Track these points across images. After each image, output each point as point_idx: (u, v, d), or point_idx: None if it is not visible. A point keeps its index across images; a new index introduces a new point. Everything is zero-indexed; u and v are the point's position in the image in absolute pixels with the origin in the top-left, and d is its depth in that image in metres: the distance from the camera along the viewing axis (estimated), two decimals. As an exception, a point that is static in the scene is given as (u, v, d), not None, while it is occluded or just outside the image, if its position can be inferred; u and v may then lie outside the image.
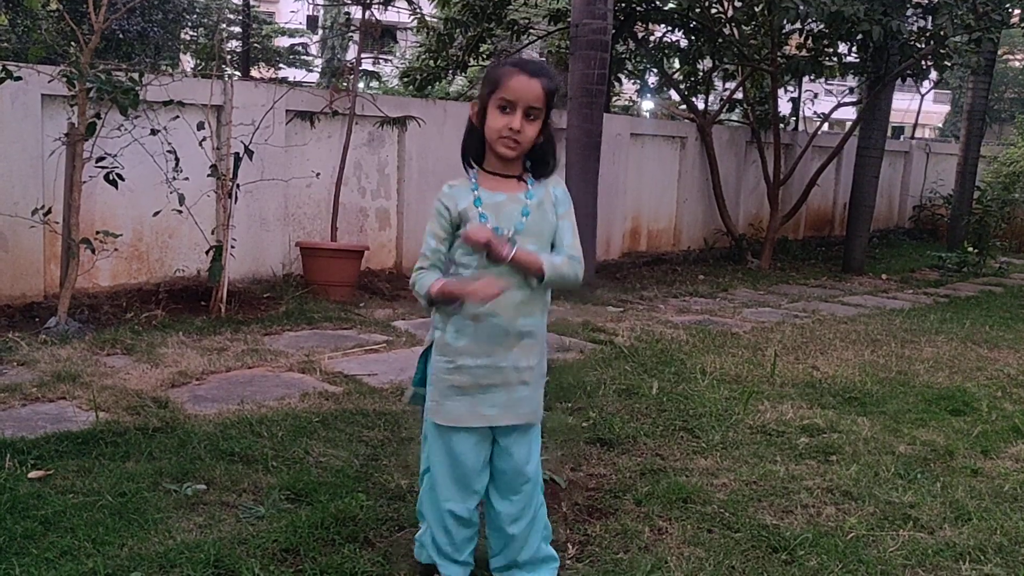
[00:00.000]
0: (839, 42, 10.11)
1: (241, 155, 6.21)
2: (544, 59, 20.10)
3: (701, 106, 11.49)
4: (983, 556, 3.06)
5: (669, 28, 10.96)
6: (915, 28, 10.03)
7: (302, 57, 24.37)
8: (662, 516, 3.24)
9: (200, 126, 5.98)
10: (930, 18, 9.73)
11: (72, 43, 6.17)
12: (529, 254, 2.43)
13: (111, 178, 5.54)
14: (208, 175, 6.23)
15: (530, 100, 2.40)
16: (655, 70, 11.71)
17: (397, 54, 23.18)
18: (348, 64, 8.09)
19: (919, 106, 16.21)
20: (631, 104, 18.15)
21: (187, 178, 5.92)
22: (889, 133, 11.89)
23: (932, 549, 3.08)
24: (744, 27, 10.61)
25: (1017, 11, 12.31)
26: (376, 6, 7.81)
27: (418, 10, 9.02)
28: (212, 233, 6.33)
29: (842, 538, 3.13)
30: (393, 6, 7.96)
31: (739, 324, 6.95)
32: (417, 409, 2.76)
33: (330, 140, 7.53)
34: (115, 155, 5.57)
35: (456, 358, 2.50)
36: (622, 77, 12.25)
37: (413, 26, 10.71)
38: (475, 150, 2.52)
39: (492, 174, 2.51)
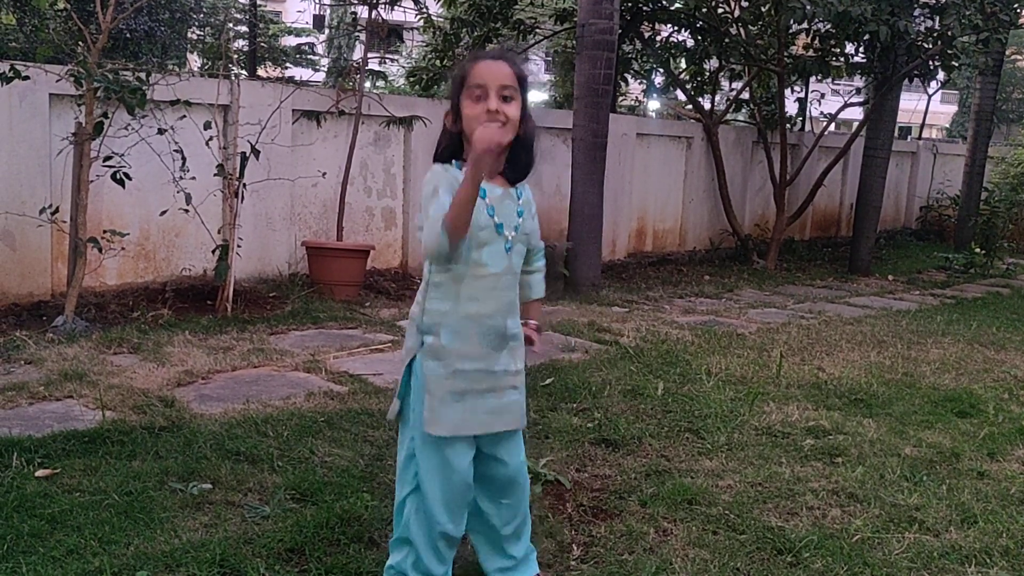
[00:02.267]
0: (846, 42, 10.09)
1: (248, 154, 6.22)
2: (550, 59, 20.08)
3: (707, 106, 11.46)
4: (989, 559, 3.05)
5: (675, 28, 10.94)
6: (922, 28, 10.00)
7: (308, 56, 24.40)
8: (667, 517, 3.24)
9: (207, 125, 6.00)
10: (938, 18, 9.69)
11: (79, 42, 6.17)
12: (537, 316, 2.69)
13: (118, 177, 5.55)
14: (215, 174, 6.25)
15: (500, 80, 2.33)
16: (661, 70, 11.69)
17: (403, 54, 23.19)
18: (354, 64, 8.10)
19: (926, 107, 16.13)
20: (637, 104, 18.12)
21: (194, 177, 5.93)
22: (896, 134, 11.85)
23: (938, 552, 3.07)
24: (751, 27, 10.58)
25: (1025, 11, 12.25)
26: (382, 6, 7.82)
27: (424, 10, 9.03)
28: (218, 232, 6.34)
29: (847, 540, 3.12)
30: (399, 6, 7.97)
31: (745, 325, 6.94)
32: (396, 428, 2.66)
33: (336, 140, 7.53)
34: (122, 154, 5.59)
35: (454, 362, 2.41)
36: (628, 77, 12.21)
37: (419, 26, 10.72)
38: (449, 154, 2.45)
39: None
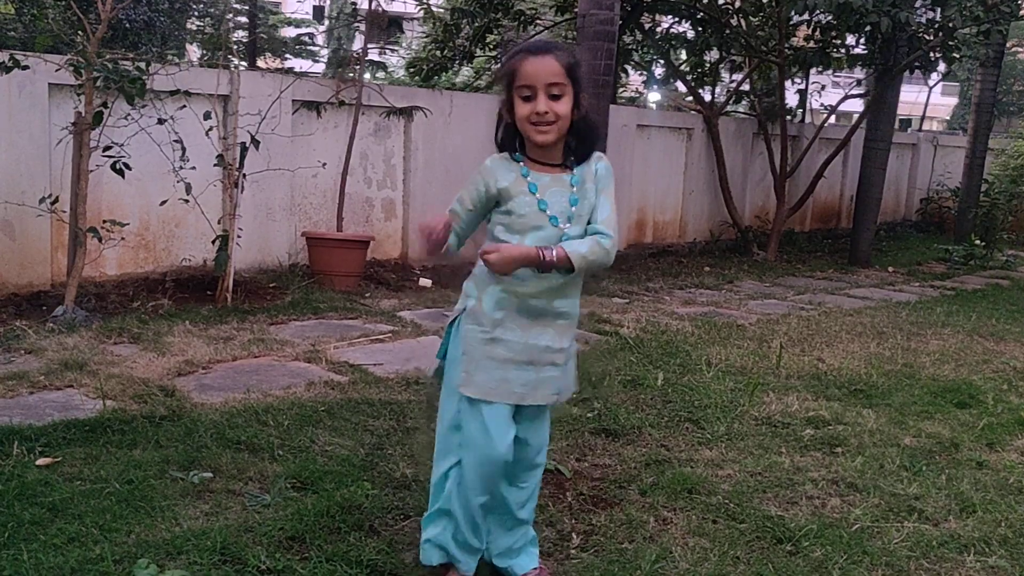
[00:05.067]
0: (847, 33, 10.07)
1: (247, 145, 6.21)
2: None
3: (708, 97, 11.45)
4: (988, 548, 3.06)
5: (676, 19, 10.93)
6: (923, 20, 9.98)
7: (308, 47, 24.33)
8: (667, 507, 3.25)
9: (207, 116, 5.99)
10: (939, 10, 9.67)
11: (79, 32, 6.17)
12: (559, 252, 2.37)
13: (118, 167, 5.54)
14: (215, 165, 6.24)
15: (547, 78, 2.34)
16: (662, 61, 11.68)
17: (403, 44, 23.14)
18: (354, 54, 8.10)
19: (927, 98, 16.15)
20: (638, 95, 18.10)
21: (194, 168, 5.93)
22: (896, 125, 11.84)
23: (937, 541, 3.08)
24: (751, 18, 10.56)
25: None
26: (382, -4, 7.81)
27: (424, 0, 9.01)
28: (218, 223, 6.34)
29: (847, 529, 3.13)
30: (399, -4, 7.95)
31: (745, 316, 6.94)
32: (432, 401, 2.69)
33: (336, 130, 7.52)
34: (122, 144, 5.58)
35: (493, 329, 2.44)
36: (629, 68, 12.20)
37: (420, 16, 10.71)
38: (512, 144, 2.45)
39: (534, 161, 2.45)
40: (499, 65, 2.70)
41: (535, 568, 2.71)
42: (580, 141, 2.46)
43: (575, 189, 2.45)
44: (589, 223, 2.46)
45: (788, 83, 11.01)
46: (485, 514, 2.59)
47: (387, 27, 8.04)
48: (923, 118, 18.67)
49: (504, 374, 2.44)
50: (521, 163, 2.44)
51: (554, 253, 2.37)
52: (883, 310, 7.52)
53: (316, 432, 3.76)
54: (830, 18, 9.62)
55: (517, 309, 2.44)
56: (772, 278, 9.19)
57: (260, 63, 21.01)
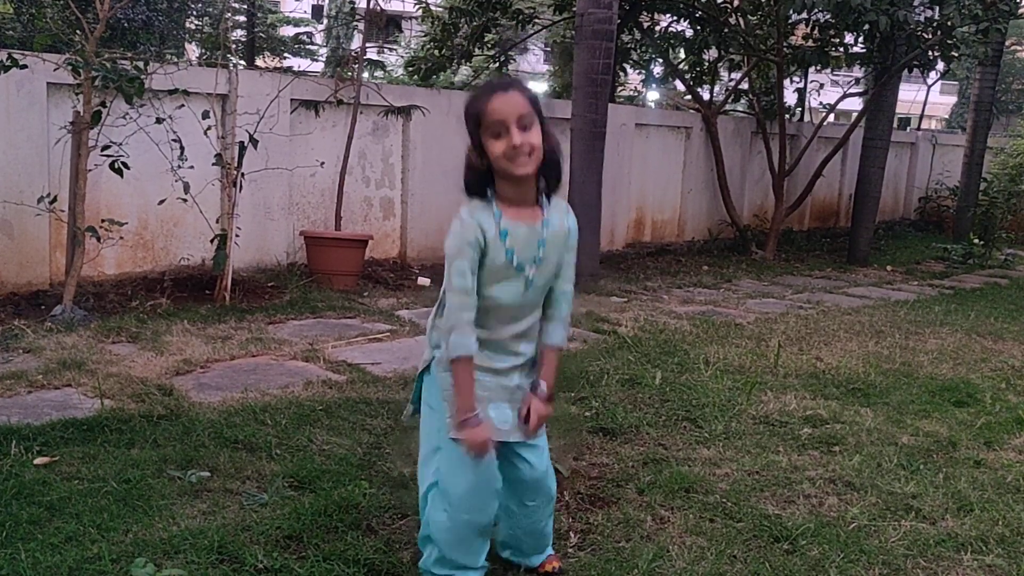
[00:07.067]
0: (846, 32, 10.06)
1: (246, 144, 6.21)
2: (548, 49, 20.02)
3: (706, 96, 11.45)
4: (985, 547, 3.06)
5: (674, 18, 10.92)
6: (922, 18, 9.98)
7: (307, 46, 24.32)
8: (664, 505, 3.25)
9: (205, 115, 5.98)
10: (937, 8, 9.67)
11: (77, 31, 6.16)
12: (547, 385, 2.56)
13: (116, 166, 5.54)
14: (213, 164, 6.24)
15: (516, 110, 2.32)
16: (660, 60, 11.68)
17: (402, 43, 23.13)
18: (353, 53, 8.09)
19: (926, 97, 16.09)
20: (636, 94, 18.10)
21: (192, 167, 5.93)
22: (895, 124, 11.84)
23: (934, 539, 3.08)
24: (750, 17, 10.56)
25: (1025, 1, 12.23)
26: (381, -5, 7.80)
27: (423, -1, 9.01)
28: (217, 222, 6.34)
29: (844, 528, 3.13)
30: (398, -5, 7.95)
31: (743, 315, 6.94)
32: (416, 426, 2.71)
33: (335, 129, 7.52)
34: (120, 144, 5.58)
35: None
36: (627, 67, 12.20)
37: (418, 15, 10.70)
38: (480, 187, 2.42)
39: (509, 201, 2.42)
40: (466, 106, 2.68)
41: (549, 555, 2.76)
42: (549, 175, 2.45)
43: (545, 234, 2.45)
44: (557, 277, 2.52)
45: (787, 82, 11.01)
46: (484, 533, 2.58)
47: (385, 26, 8.04)
48: (922, 117, 18.65)
49: (485, 413, 2.46)
50: (494, 204, 2.41)
51: (544, 388, 2.55)
52: (881, 309, 7.52)
53: (314, 431, 3.76)
54: (828, 17, 9.62)
55: (484, 353, 2.46)
56: (770, 277, 9.20)
57: (259, 62, 21.00)
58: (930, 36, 9.72)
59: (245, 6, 20.14)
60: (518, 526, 2.70)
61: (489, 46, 11.74)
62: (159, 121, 5.75)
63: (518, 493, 2.64)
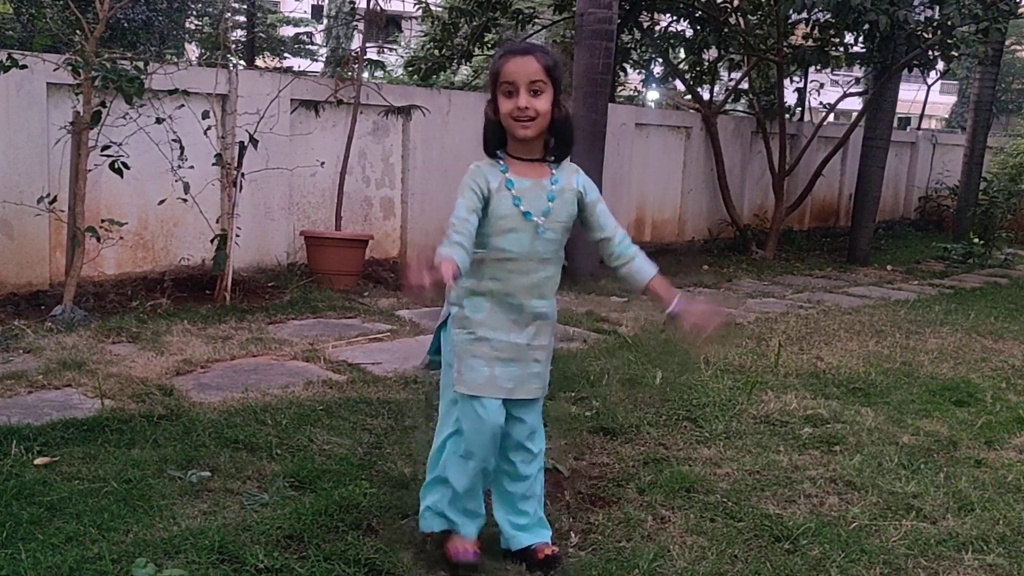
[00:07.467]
0: (845, 32, 10.06)
1: (246, 144, 6.21)
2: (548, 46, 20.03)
3: (706, 96, 11.45)
4: (986, 546, 3.06)
5: (674, 17, 10.92)
6: (922, 18, 9.98)
7: (307, 46, 24.34)
8: (665, 505, 3.25)
9: (205, 115, 5.98)
10: (937, 8, 9.67)
11: (77, 32, 6.16)
12: (672, 291, 2.69)
13: (116, 167, 5.54)
14: (213, 164, 6.24)
15: (529, 75, 2.50)
16: (660, 60, 11.67)
17: (402, 43, 23.13)
18: (353, 53, 8.09)
19: (926, 97, 16.08)
20: (636, 94, 18.11)
21: (192, 167, 5.93)
22: (895, 124, 11.84)
23: (935, 539, 3.08)
24: (750, 16, 10.56)
25: (1025, 1, 12.23)
26: (381, -5, 7.80)
27: (423, -1, 9.00)
28: (217, 222, 6.34)
29: (845, 528, 3.13)
30: (398, -5, 7.95)
31: (743, 315, 6.94)
32: (432, 384, 2.86)
33: (335, 129, 7.52)
34: (120, 144, 5.58)
35: (476, 330, 2.62)
36: (627, 67, 12.20)
37: (418, 15, 10.70)
38: (496, 141, 2.61)
39: (517, 159, 2.61)
40: (492, 62, 2.89)
41: (544, 542, 2.79)
42: (559, 139, 2.63)
43: (554, 188, 2.62)
44: (602, 229, 2.68)
45: (787, 81, 11.00)
46: (486, 475, 2.73)
47: (385, 26, 8.03)
48: (922, 116, 18.63)
49: (492, 371, 2.62)
50: (501, 160, 2.60)
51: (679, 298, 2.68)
52: (881, 308, 7.52)
53: (314, 431, 3.76)
54: (828, 16, 9.62)
55: (497, 310, 2.62)
56: (771, 277, 9.20)
57: (259, 62, 21.01)
58: (930, 36, 9.71)
59: (245, 6, 20.16)
60: (503, 489, 2.80)
61: (489, 46, 11.73)
62: (159, 121, 5.74)
63: (504, 448, 2.75)
